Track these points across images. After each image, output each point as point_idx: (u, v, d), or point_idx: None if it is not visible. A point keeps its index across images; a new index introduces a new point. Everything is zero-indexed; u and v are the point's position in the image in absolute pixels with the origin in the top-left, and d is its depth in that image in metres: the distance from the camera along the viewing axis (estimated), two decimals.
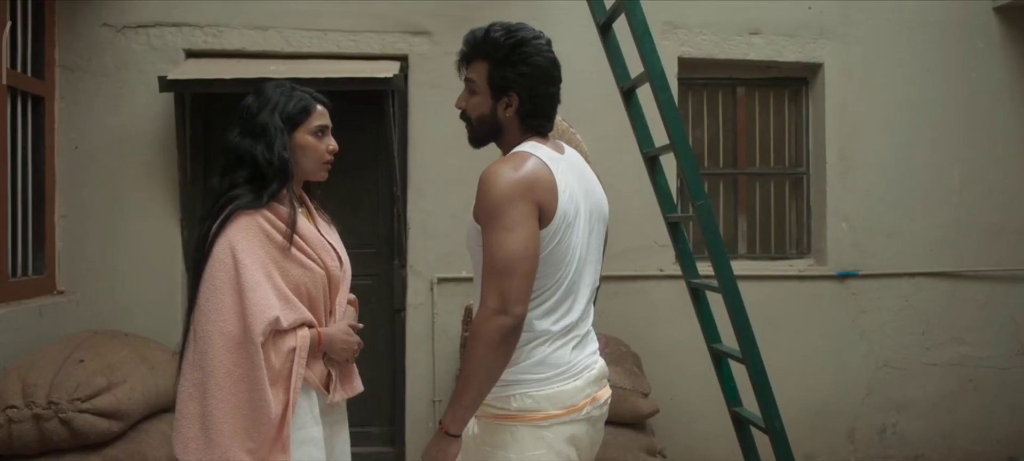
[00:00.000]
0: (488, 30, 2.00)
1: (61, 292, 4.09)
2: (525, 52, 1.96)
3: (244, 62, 4.16)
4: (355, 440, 4.46)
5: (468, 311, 3.99)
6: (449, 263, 4.31)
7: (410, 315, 4.37)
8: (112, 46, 4.16)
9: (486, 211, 1.84)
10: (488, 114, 2.03)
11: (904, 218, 4.71)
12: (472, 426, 1.95)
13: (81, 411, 3.03)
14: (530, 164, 1.88)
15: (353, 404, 4.73)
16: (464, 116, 2.09)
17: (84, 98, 4.13)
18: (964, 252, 4.76)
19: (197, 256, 2.06)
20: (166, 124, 4.14)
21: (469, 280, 4.48)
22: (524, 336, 1.88)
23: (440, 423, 1.87)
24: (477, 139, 2.09)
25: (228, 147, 2.15)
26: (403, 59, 4.35)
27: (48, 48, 4.05)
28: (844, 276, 4.66)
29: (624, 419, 3.70)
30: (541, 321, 1.92)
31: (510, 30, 1.98)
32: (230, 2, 4.25)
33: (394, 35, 4.34)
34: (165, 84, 3.88)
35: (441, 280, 4.33)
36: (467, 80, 2.07)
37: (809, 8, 4.66)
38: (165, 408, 3.54)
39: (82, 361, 3.18)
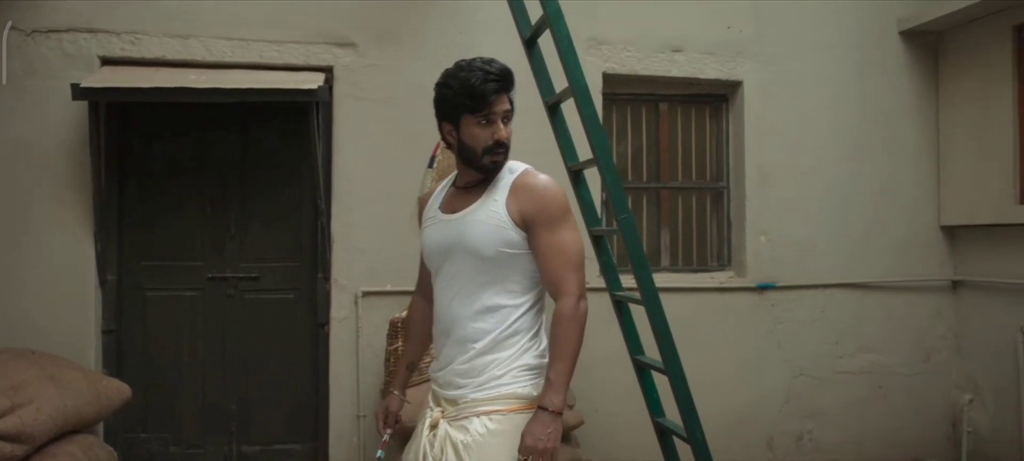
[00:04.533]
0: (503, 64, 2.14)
1: None
2: None
3: (164, 71, 4.05)
4: (276, 458, 4.41)
5: (393, 325, 3.94)
6: (374, 276, 4.26)
7: (334, 329, 4.31)
8: (20, 51, 4.00)
9: (558, 212, 2.09)
10: None
11: (818, 231, 4.88)
12: (482, 424, 2.06)
13: None
14: None
15: (274, 421, 4.66)
16: (505, 145, 2.15)
17: None
18: (873, 264, 4.96)
19: None
20: (79, 133, 3.99)
21: (394, 294, 4.42)
22: (537, 323, 2.16)
23: (543, 408, 2.01)
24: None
25: None
26: (328, 71, 4.29)
27: None
28: (763, 288, 4.80)
29: None
30: (543, 311, 2.18)
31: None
32: (149, 9, 4.13)
33: (319, 46, 4.29)
34: (78, 92, 3.73)
35: (366, 294, 4.28)
36: (508, 111, 2.15)
37: (728, 28, 4.79)
38: (75, 429, 3.40)
39: None
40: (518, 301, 2.13)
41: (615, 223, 3.14)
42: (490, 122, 2.10)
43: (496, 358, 2.10)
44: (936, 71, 5.04)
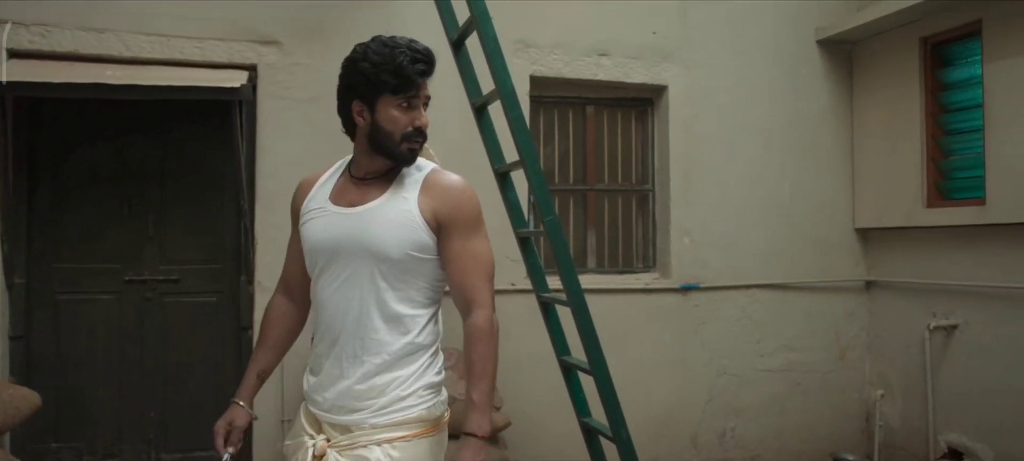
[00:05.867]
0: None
1: None
2: None
3: (78, 66, 3.88)
4: None
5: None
6: None
7: (257, 333, 4.21)
8: None
9: (474, 217, 1.94)
10: None
11: (740, 232, 5.01)
12: (385, 453, 1.84)
13: None
14: None
15: (197, 427, 4.53)
16: (425, 133, 1.95)
17: None
18: (792, 265, 5.11)
19: None
20: None
21: None
22: (438, 337, 1.98)
23: (469, 434, 1.82)
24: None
25: None
26: (252, 69, 4.20)
27: None
28: (687, 289, 4.90)
29: None
30: (440, 324, 2.01)
31: None
32: (61, 0, 3.97)
33: (242, 44, 4.19)
34: None
35: None
36: (429, 97, 1.96)
37: (654, 33, 4.87)
38: None
39: None
40: (420, 311, 1.92)
41: (541, 225, 3.16)
42: (412, 106, 1.88)
43: (399, 376, 1.88)
44: (850, 79, 5.24)
